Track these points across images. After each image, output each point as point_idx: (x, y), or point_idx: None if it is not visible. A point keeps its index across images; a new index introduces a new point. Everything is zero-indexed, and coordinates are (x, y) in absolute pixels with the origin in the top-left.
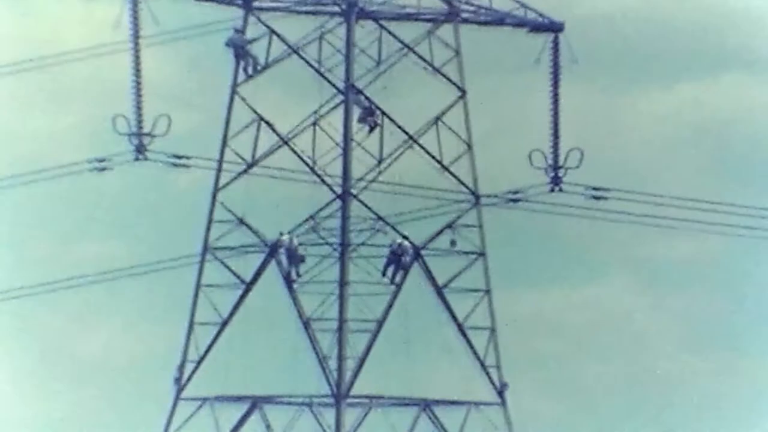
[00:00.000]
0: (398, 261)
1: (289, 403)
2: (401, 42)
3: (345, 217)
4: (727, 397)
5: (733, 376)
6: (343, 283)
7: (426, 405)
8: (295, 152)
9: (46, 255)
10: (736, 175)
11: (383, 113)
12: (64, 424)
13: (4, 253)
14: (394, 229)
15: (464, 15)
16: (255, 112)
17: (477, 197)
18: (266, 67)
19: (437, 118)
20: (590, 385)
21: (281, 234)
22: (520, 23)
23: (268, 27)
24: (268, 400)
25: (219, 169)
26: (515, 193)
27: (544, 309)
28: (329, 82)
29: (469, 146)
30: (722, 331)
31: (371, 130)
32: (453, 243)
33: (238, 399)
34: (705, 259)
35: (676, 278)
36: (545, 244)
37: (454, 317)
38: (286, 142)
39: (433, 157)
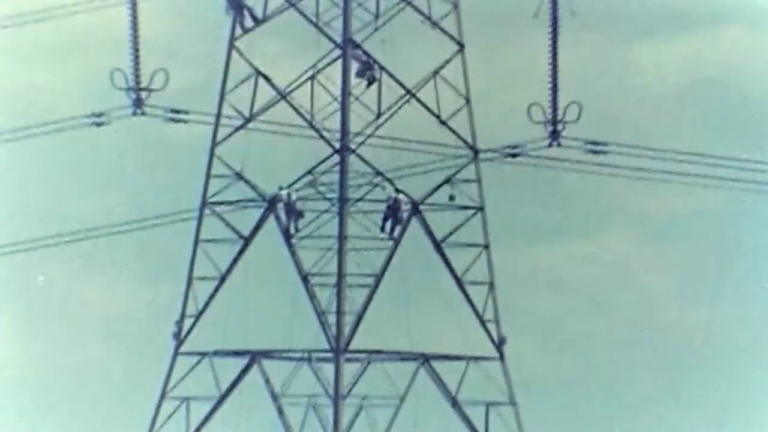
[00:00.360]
0: (395, 215)
1: (288, 358)
2: None
3: (343, 172)
4: (728, 349)
5: (734, 328)
6: (341, 237)
7: (424, 359)
8: (293, 107)
9: (43, 209)
10: (736, 128)
11: (381, 67)
12: (63, 379)
13: (1, 207)
14: (392, 183)
15: None
16: (252, 66)
17: (475, 151)
18: (263, 20)
19: (436, 72)
20: (589, 340)
21: (280, 189)
22: None
23: None
24: (267, 354)
25: (217, 124)
26: (514, 147)
27: (543, 263)
28: (327, 36)
29: (468, 100)
30: (722, 284)
31: (369, 84)
32: (452, 197)
33: (237, 353)
34: (705, 213)
35: (676, 232)
36: (544, 199)
37: (452, 272)
38: (284, 97)
39: (432, 112)
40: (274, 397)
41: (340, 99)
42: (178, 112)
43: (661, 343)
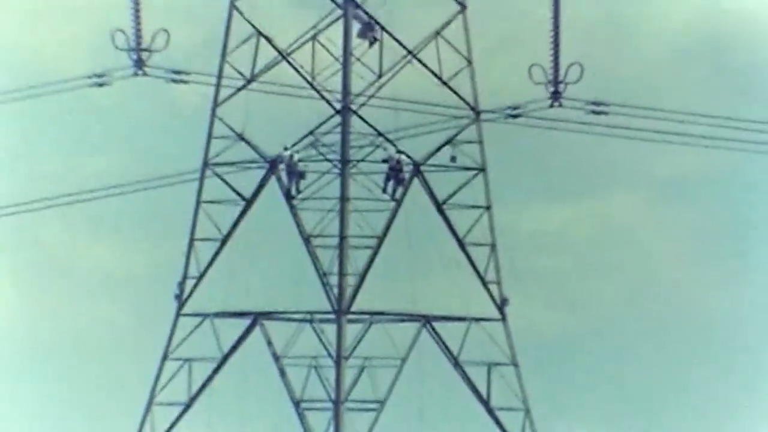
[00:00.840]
0: (397, 176)
1: (290, 319)
2: None
3: (345, 133)
4: (731, 308)
5: (738, 288)
6: (343, 199)
7: (427, 320)
8: (294, 67)
9: (45, 170)
10: (739, 88)
11: (383, 28)
12: (65, 340)
13: (4, 167)
14: (394, 144)
15: None
16: (253, 26)
17: (477, 112)
18: None
19: (437, 33)
20: (591, 300)
21: (284, 149)
22: None
23: None
24: (269, 315)
25: (218, 85)
26: (515, 108)
27: (545, 224)
28: None
29: (469, 61)
30: (725, 244)
31: (371, 44)
32: (453, 158)
33: (239, 315)
34: (707, 173)
35: (678, 192)
36: (546, 160)
37: (454, 233)
38: (285, 57)
39: (433, 73)
40: (276, 358)
41: (341, 59)
42: (179, 72)
43: (663, 302)
